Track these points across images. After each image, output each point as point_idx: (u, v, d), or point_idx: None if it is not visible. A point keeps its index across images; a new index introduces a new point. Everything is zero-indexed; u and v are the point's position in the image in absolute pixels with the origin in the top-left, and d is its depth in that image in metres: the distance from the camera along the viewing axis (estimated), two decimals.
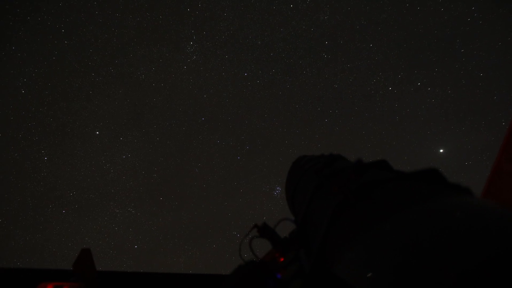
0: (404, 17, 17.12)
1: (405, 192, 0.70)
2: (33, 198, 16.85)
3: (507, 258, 0.37)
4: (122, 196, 18.67)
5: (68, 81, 17.01)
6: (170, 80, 18.89)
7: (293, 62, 19.11)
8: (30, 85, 16.33)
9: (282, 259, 1.64)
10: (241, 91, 19.50)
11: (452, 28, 16.40)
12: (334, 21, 18.05)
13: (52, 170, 17.30)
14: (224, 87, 19.42)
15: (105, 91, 17.96)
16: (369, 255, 0.55)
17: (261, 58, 19.21)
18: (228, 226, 19.52)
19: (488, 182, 5.00)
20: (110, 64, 17.82)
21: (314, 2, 17.71)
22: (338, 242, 0.72)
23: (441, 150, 17.42)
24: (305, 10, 17.99)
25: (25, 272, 2.20)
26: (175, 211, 19.24)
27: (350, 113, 18.88)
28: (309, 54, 18.83)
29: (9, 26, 15.29)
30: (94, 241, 17.84)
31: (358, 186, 0.83)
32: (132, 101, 18.49)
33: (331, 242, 0.76)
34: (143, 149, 19.01)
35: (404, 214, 0.59)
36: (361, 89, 18.52)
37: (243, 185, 19.81)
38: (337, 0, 17.52)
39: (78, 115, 17.58)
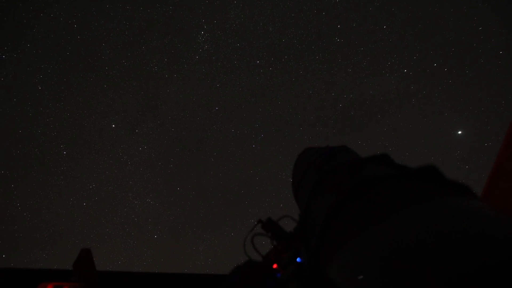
0: None
1: (400, 192, 0.70)
2: (55, 192, 17.38)
3: (498, 268, 0.36)
4: (140, 187, 18.99)
5: (82, 75, 17.30)
6: (182, 71, 18.92)
7: (306, 48, 18.75)
8: (46, 81, 16.71)
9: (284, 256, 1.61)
10: (254, 79, 19.35)
11: (469, 5, 15.70)
12: (346, 3, 17.58)
13: (71, 164, 17.73)
14: (236, 75, 19.32)
15: (119, 84, 18.14)
16: (359, 258, 0.56)
17: (273, 45, 18.97)
18: (245, 213, 19.67)
19: (488, 181, 4.87)
20: (122, 57, 17.96)
21: None
22: (332, 243, 0.72)
23: (459, 132, 16.92)
24: None
25: (25, 272, 2.25)
26: (192, 201, 19.51)
27: (364, 97, 18.50)
28: (321, 39, 18.44)
29: (24, 24, 15.63)
30: (115, 232, 18.33)
31: (353, 186, 0.81)
32: (146, 93, 18.67)
33: (326, 242, 0.76)
34: (159, 141, 19.22)
35: (397, 216, 0.58)
36: (376, 72, 18.06)
37: (259, 173, 19.82)
38: None
39: (94, 109, 17.87)
